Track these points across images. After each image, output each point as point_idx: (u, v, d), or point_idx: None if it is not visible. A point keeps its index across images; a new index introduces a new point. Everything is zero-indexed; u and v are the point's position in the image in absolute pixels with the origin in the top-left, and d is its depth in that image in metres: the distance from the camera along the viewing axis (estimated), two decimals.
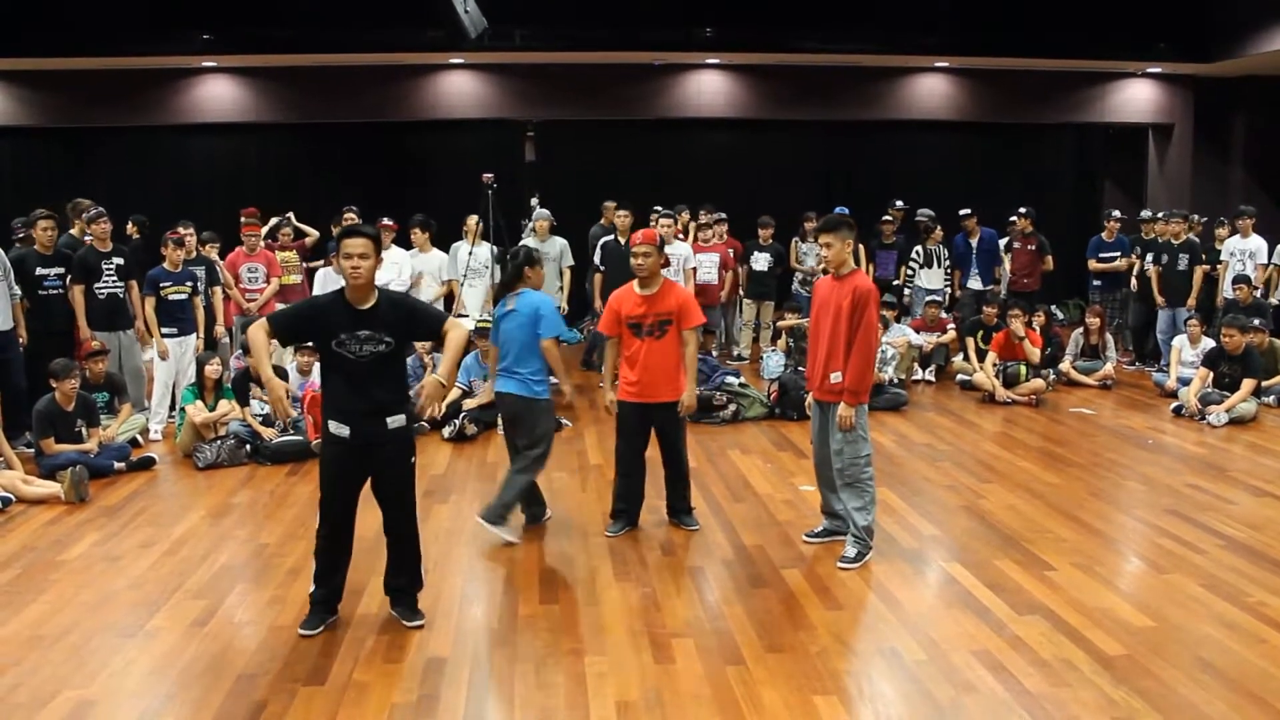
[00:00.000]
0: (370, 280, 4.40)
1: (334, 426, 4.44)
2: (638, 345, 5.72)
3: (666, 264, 5.88)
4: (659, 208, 10.23)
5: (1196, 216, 11.58)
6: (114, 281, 8.29)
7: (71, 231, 8.81)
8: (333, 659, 4.29)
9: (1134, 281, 11.14)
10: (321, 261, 10.01)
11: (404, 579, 4.71)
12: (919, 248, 11.38)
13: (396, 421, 4.47)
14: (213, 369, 7.84)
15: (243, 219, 9.93)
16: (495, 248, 9.86)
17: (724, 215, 11.52)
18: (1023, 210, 11.36)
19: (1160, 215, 11.40)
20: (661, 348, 5.71)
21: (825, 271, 5.55)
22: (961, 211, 11.48)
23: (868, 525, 5.38)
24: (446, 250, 10.02)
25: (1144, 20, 12.72)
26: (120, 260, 8.36)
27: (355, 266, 4.32)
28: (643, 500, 5.98)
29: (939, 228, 11.36)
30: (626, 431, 5.85)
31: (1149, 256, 10.93)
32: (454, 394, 8.36)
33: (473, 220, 9.85)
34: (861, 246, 11.52)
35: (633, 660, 4.25)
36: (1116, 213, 11.72)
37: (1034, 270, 11.30)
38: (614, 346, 5.90)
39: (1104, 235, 11.45)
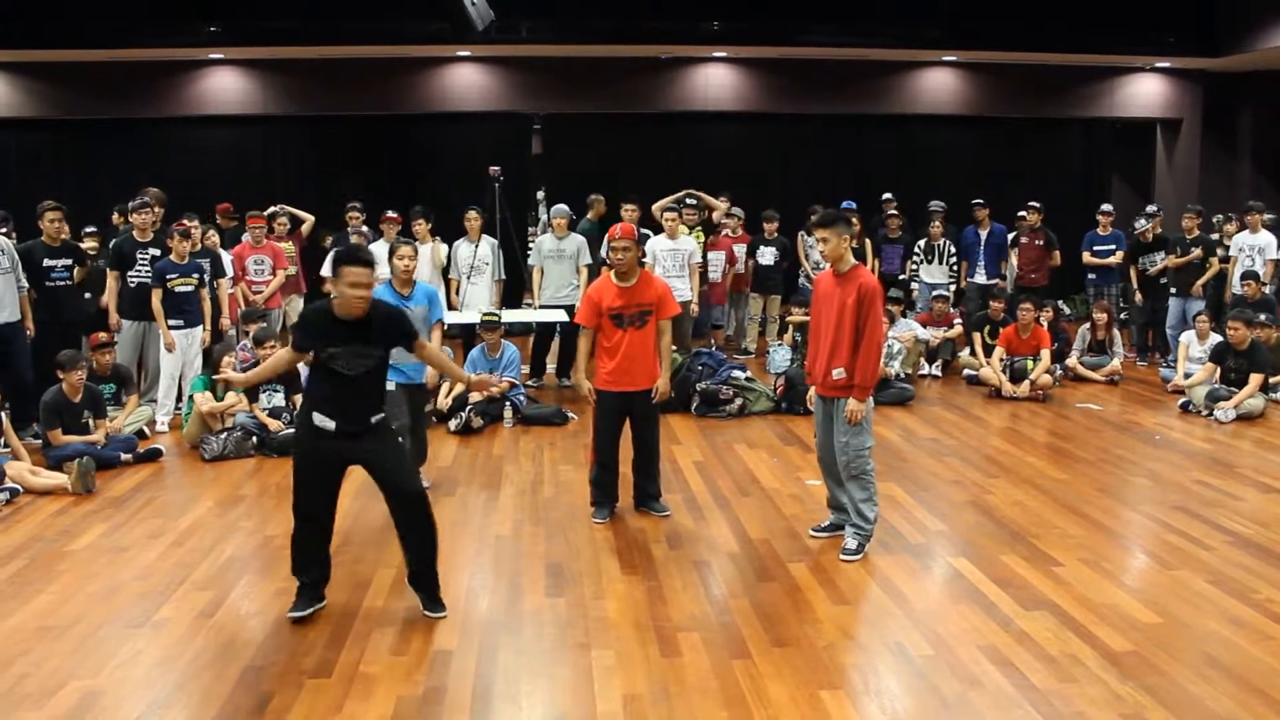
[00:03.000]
0: (369, 304, 4.41)
1: (319, 419, 4.45)
2: (620, 336, 5.83)
3: (642, 256, 6.03)
4: (691, 199, 10.22)
5: (1222, 217, 11.50)
6: (146, 272, 8.34)
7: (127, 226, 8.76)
8: (339, 651, 4.30)
9: (1134, 279, 11.12)
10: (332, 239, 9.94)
11: (426, 564, 4.68)
12: (922, 241, 11.37)
13: (377, 418, 4.57)
14: (229, 362, 7.88)
15: (218, 217, 9.86)
16: (496, 242, 9.83)
17: (740, 212, 11.59)
18: (1033, 204, 11.34)
19: (1157, 211, 11.41)
20: (642, 338, 5.86)
21: (819, 266, 5.57)
22: (974, 201, 11.46)
23: (874, 517, 5.42)
24: (447, 243, 10.07)
25: (1152, 15, 12.69)
26: (157, 251, 8.40)
27: (361, 296, 4.33)
28: (619, 485, 6.07)
29: (938, 220, 11.34)
30: (607, 420, 5.95)
31: (1152, 259, 10.93)
32: (459, 387, 8.38)
33: (474, 215, 9.79)
34: (868, 241, 11.53)
35: (639, 654, 4.25)
36: (1108, 206, 11.70)
37: (1041, 265, 11.28)
38: (588, 337, 5.99)
39: (1098, 229, 11.44)
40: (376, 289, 5.78)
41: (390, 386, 5.76)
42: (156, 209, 8.76)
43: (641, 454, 6.06)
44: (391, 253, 6.20)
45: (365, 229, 10.23)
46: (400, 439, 5.71)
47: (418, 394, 6.31)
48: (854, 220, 11.14)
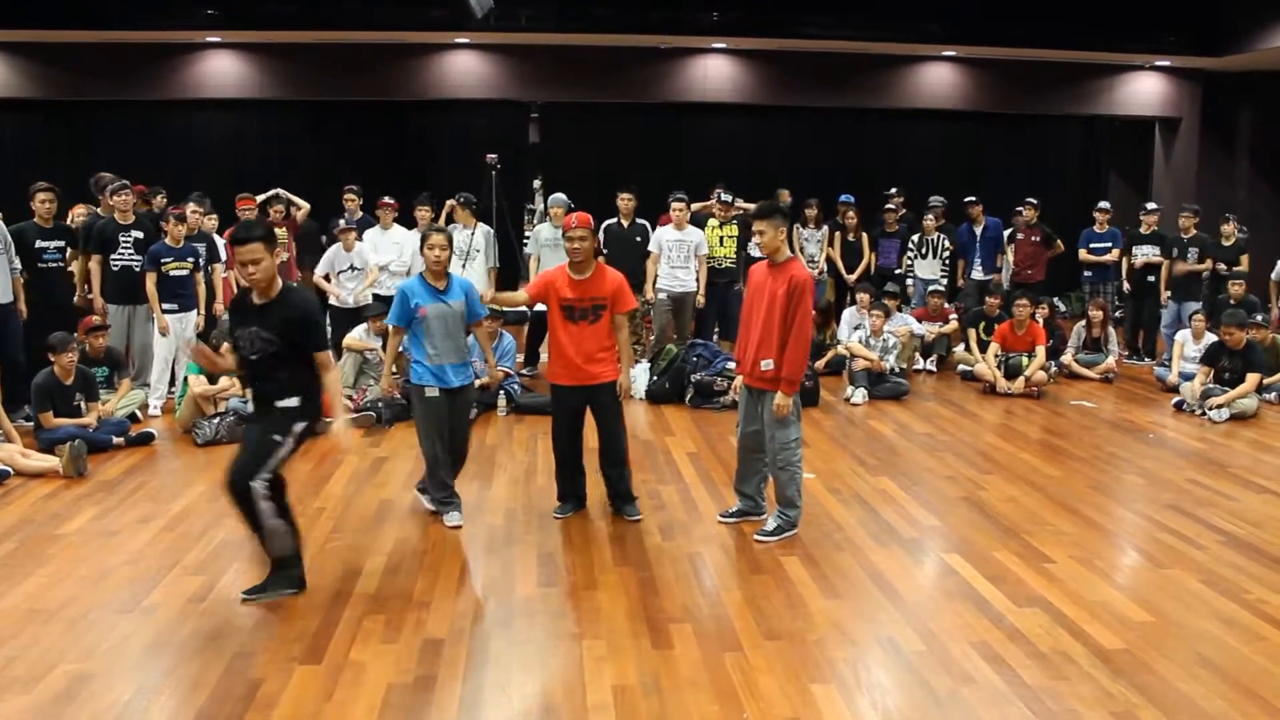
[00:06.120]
0: (266, 279, 4.47)
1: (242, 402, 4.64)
2: (572, 329, 5.67)
3: (599, 250, 5.87)
4: (726, 196, 10.11)
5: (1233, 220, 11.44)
6: (130, 255, 8.29)
7: (97, 210, 8.75)
8: (329, 638, 4.29)
9: (1125, 276, 11.15)
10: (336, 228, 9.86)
11: (263, 543, 4.72)
12: (915, 236, 11.36)
13: (287, 404, 4.55)
14: (226, 349, 7.84)
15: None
16: (490, 230, 9.81)
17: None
18: (1030, 201, 11.33)
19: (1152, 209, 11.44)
20: (595, 332, 5.68)
21: (761, 257, 5.59)
22: (966, 199, 11.45)
23: (799, 506, 5.56)
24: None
25: (1153, 13, 12.68)
26: (140, 234, 8.35)
27: (251, 273, 4.45)
28: (584, 479, 5.99)
29: (931, 216, 11.33)
30: (562, 416, 5.83)
31: (1143, 250, 10.96)
32: None
33: (450, 203, 9.84)
34: (865, 235, 11.52)
35: (630, 645, 4.25)
36: (1105, 204, 11.70)
37: (1037, 262, 11.26)
38: (523, 295, 5.95)
39: (1095, 227, 11.44)
40: (408, 281, 5.76)
41: (434, 393, 5.60)
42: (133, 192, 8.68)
43: (606, 452, 5.88)
44: (423, 242, 5.77)
45: (361, 214, 10.16)
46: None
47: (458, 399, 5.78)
48: (852, 214, 11.35)
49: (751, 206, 11.45)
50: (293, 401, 4.54)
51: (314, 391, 4.62)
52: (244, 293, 4.57)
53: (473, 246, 9.61)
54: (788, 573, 5.06)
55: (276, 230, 9.92)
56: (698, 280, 9.61)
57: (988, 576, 5.04)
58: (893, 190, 12.24)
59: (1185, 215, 10.86)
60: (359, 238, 9.64)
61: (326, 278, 9.38)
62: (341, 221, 9.87)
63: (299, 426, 4.59)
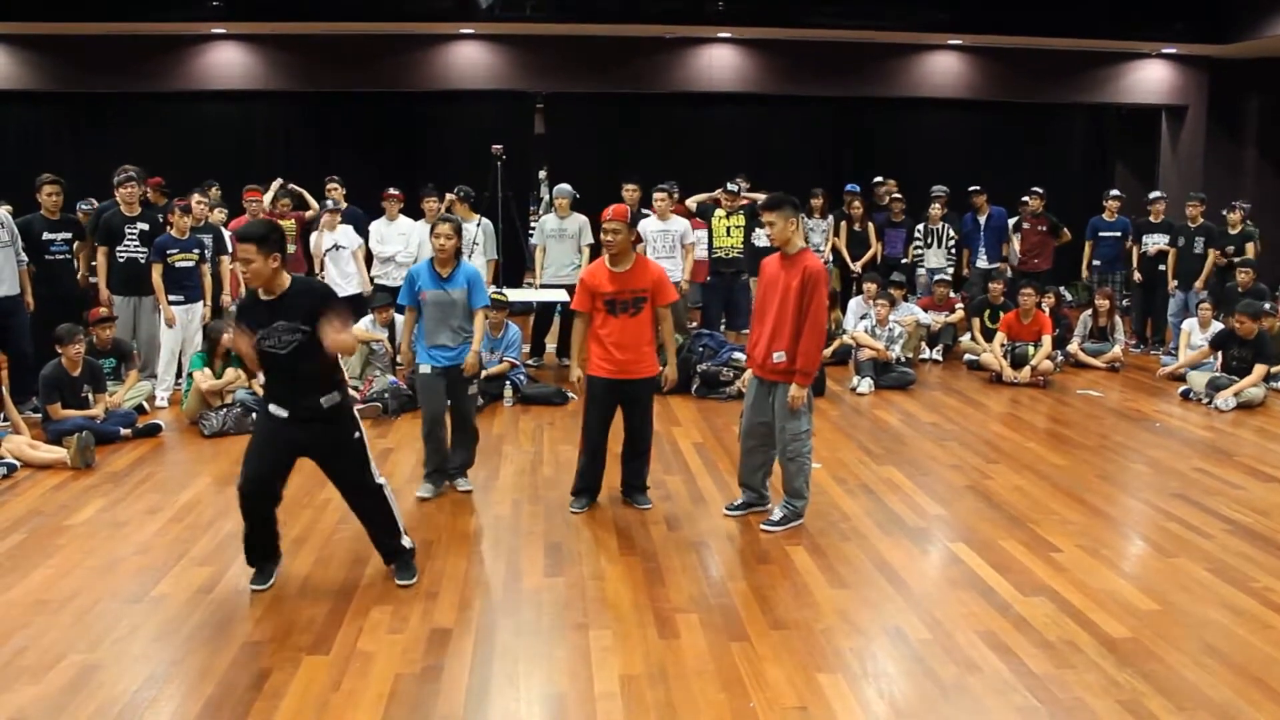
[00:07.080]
0: (265, 276, 4.41)
1: (274, 409, 4.54)
2: (613, 323, 5.67)
3: (638, 240, 5.86)
4: (733, 186, 10.06)
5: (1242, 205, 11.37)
6: (136, 246, 8.32)
7: (116, 200, 8.75)
8: (337, 628, 4.30)
9: (1135, 264, 11.11)
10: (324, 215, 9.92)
11: (388, 539, 4.78)
12: (921, 225, 11.33)
13: (330, 400, 4.53)
14: (226, 339, 7.84)
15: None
16: (489, 222, 9.80)
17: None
18: (1036, 190, 11.30)
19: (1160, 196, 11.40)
20: (636, 324, 5.68)
21: (766, 247, 5.58)
22: (970, 188, 11.42)
23: (806, 497, 5.57)
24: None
25: (1159, 1, 12.61)
26: (145, 226, 8.37)
27: (242, 271, 4.57)
28: (603, 476, 5.98)
29: (937, 205, 11.29)
30: (597, 408, 5.81)
31: (1153, 238, 10.92)
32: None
33: (449, 196, 9.86)
34: (870, 224, 11.50)
35: (637, 635, 4.26)
36: (1115, 192, 11.66)
37: (1044, 251, 11.24)
38: (584, 322, 5.83)
39: (1104, 215, 11.39)
40: (417, 265, 5.92)
41: (426, 370, 5.85)
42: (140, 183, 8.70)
43: (631, 444, 5.91)
44: (431, 230, 5.92)
45: (344, 205, 10.17)
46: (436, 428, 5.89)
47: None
48: (857, 203, 11.32)
49: (759, 196, 11.49)
50: (336, 397, 4.55)
51: (344, 381, 4.71)
52: (253, 294, 4.52)
53: (472, 240, 9.61)
54: (794, 562, 5.07)
55: (283, 222, 10.05)
56: (683, 270, 9.55)
57: (994, 565, 5.04)
58: (879, 179, 12.17)
59: (1192, 204, 10.82)
60: (358, 228, 9.68)
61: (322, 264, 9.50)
62: (330, 202, 9.90)
63: (355, 414, 4.70)
